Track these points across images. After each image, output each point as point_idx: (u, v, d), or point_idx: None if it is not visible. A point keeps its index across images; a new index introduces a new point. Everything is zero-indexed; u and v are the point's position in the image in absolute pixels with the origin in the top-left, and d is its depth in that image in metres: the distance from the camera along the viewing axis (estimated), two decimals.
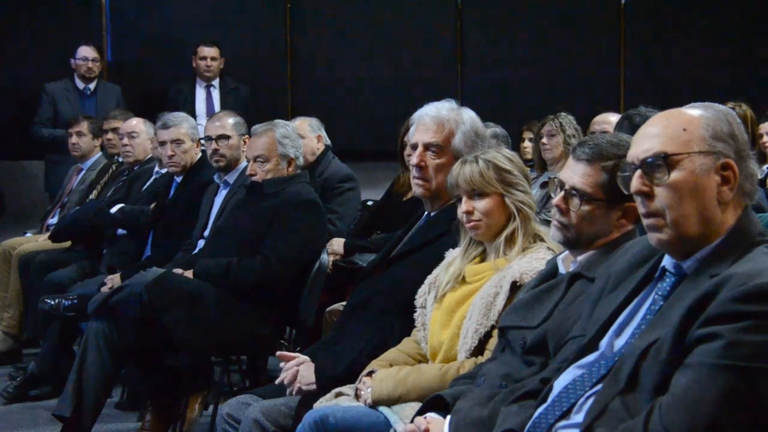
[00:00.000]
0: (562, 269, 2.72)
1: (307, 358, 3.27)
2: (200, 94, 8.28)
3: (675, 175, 2.03)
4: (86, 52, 8.11)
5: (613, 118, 5.64)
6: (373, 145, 8.43)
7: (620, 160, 2.49)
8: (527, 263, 2.92)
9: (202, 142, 5.53)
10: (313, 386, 3.17)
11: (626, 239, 2.56)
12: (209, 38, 8.36)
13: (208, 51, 8.26)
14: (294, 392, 3.20)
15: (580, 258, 2.65)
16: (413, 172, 3.47)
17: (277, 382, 3.29)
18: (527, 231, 3.04)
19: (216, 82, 8.32)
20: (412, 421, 2.58)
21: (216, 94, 8.30)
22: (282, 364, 3.29)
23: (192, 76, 8.33)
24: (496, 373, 2.59)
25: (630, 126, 3.99)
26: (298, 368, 3.23)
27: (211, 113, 7.21)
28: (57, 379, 5.34)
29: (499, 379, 2.55)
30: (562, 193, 2.62)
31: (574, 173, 2.61)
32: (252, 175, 4.63)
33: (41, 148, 8.05)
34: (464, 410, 2.44)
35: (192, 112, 7.64)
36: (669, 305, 2.04)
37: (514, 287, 2.87)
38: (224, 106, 7.94)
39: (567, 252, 2.74)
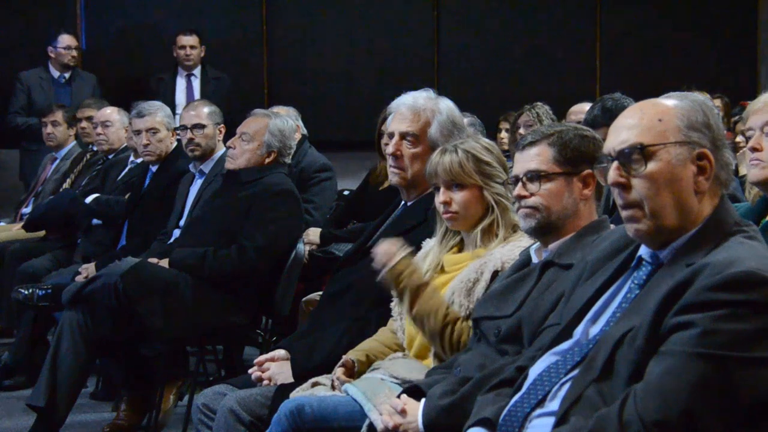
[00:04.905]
0: (535, 259, 2.74)
1: (283, 353, 3.26)
2: (180, 83, 8.20)
3: (651, 166, 2.04)
4: (69, 41, 8.01)
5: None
6: (349, 134, 8.42)
7: (560, 132, 2.65)
8: (509, 251, 2.92)
9: (178, 131, 5.50)
10: (290, 380, 3.16)
11: (596, 226, 2.63)
12: (186, 26, 8.29)
13: (187, 40, 8.16)
14: (262, 384, 3.20)
15: (551, 246, 2.68)
16: (389, 161, 3.47)
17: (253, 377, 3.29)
18: (506, 222, 3.03)
19: (197, 72, 8.25)
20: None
21: (197, 84, 8.23)
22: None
23: (173, 65, 8.25)
24: (471, 364, 2.60)
25: (602, 109, 3.97)
26: (267, 367, 3.23)
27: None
28: (31, 369, 5.31)
29: (474, 370, 2.55)
30: (519, 183, 2.68)
31: (524, 160, 2.69)
32: (230, 147, 4.61)
33: (16, 136, 7.96)
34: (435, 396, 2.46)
35: (172, 102, 7.59)
36: (645, 294, 2.05)
37: (496, 276, 2.86)
38: (204, 95, 7.86)
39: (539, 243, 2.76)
